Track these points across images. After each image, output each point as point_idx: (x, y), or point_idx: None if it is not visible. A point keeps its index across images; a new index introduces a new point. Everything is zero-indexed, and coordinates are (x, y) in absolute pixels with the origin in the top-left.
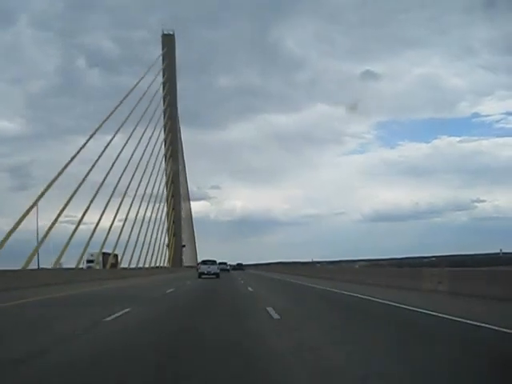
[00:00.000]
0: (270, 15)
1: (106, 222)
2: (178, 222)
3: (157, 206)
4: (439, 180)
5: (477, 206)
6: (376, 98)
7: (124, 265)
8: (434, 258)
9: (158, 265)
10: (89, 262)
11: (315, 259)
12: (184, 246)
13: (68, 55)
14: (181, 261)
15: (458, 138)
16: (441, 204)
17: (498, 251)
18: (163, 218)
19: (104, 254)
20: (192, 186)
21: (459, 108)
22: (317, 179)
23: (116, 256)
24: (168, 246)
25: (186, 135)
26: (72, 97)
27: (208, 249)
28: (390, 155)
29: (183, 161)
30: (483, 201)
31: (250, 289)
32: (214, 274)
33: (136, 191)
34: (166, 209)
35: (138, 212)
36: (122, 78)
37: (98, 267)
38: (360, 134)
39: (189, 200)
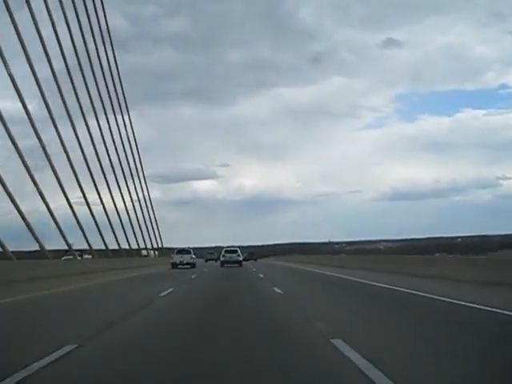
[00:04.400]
0: None
1: None
2: None
3: None
4: (461, 156)
5: (502, 184)
6: (396, 69)
7: None
8: (459, 239)
9: None
10: None
11: (332, 240)
12: None
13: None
14: None
15: (483, 111)
16: (463, 181)
17: None
18: None
19: None
20: (198, 165)
21: (485, 79)
22: (330, 155)
23: None
24: None
25: (194, 112)
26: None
27: (215, 231)
28: (409, 130)
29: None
30: (510, 178)
31: None
32: (186, 263)
33: None
34: None
35: None
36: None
37: None
38: (378, 107)
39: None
